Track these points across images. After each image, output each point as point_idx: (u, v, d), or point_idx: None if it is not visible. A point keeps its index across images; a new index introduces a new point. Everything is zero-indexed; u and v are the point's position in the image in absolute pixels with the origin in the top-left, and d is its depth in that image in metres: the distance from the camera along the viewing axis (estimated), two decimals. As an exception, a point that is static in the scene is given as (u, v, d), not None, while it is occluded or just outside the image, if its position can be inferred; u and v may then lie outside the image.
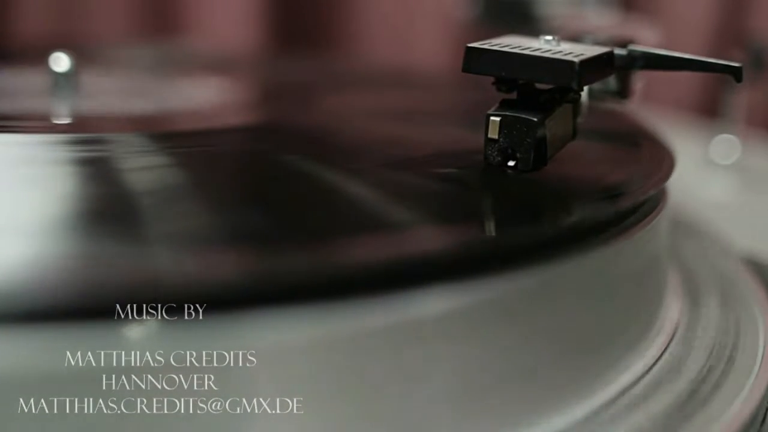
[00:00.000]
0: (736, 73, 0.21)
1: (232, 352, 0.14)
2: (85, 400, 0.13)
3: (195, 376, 0.14)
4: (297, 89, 0.36)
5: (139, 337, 0.14)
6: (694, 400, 0.19)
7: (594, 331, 0.19)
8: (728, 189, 0.41)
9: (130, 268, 0.15)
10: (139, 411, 0.14)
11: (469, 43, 0.21)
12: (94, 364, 0.13)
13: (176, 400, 0.14)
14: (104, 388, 0.14)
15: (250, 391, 0.14)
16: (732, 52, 0.40)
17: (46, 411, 0.13)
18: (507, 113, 0.21)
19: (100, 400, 0.14)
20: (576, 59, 0.20)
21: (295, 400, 0.15)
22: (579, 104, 0.23)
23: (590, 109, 0.24)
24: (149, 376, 0.14)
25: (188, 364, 0.14)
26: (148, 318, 0.14)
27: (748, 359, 0.21)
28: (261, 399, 0.15)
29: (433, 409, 0.16)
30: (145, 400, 0.14)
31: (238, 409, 0.14)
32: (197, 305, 0.14)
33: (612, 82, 0.25)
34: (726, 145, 0.43)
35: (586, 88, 0.23)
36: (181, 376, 0.14)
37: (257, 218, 0.18)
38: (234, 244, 0.16)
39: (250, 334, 0.14)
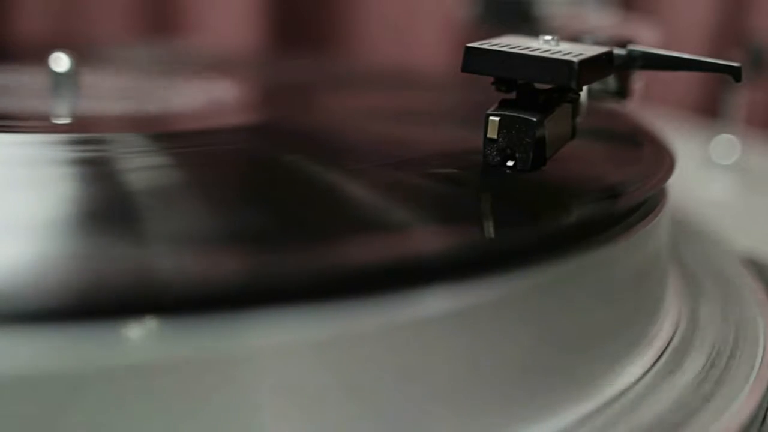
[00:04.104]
0: (735, 73, 0.21)
1: (231, 352, 0.14)
2: (85, 400, 0.13)
3: (195, 376, 0.14)
4: (297, 89, 0.36)
5: (139, 338, 0.14)
6: (694, 400, 0.19)
7: (594, 331, 0.19)
8: (728, 189, 0.41)
9: (130, 268, 0.15)
10: (138, 411, 0.14)
11: (469, 43, 0.21)
12: (93, 364, 0.13)
13: (176, 401, 0.14)
14: (104, 388, 0.14)
15: (249, 390, 0.14)
16: (732, 52, 0.40)
17: (46, 411, 0.13)
18: (506, 113, 0.21)
19: (100, 401, 0.14)
20: (575, 59, 0.20)
21: (295, 400, 0.15)
22: (578, 104, 0.23)
23: (590, 109, 0.24)
24: (149, 376, 0.14)
25: (188, 364, 0.14)
26: (148, 318, 0.14)
27: (748, 359, 0.21)
28: (261, 399, 0.15)
29: (432, 409, 0.16)
30: (144, 401, 0.14)
31: (238, 409, 0.14)
32: (196, 305, 0.14)
33: (611, 82, 0.25)
34: (726, 145, 0.43)
35: (585, 87, 0.23)
36: (181, 376, 0.14)
37: (257, 218, 0.18)
38: (234, 244, 0.16)
39: (250, 334, 0.14)
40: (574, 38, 0.24)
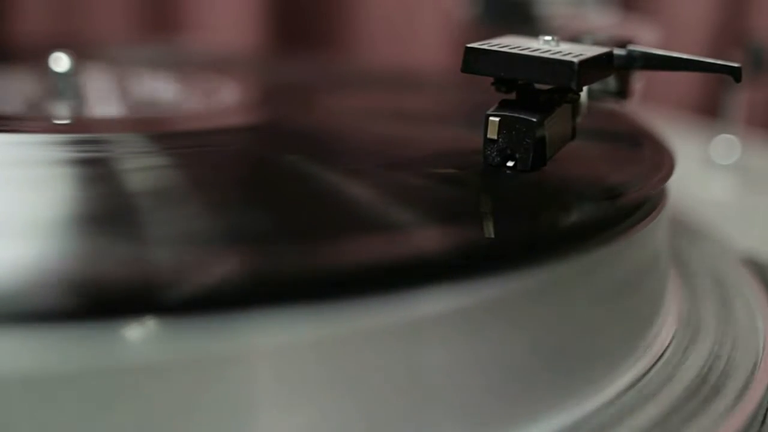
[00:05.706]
0: (734, 73, 0.21)
1: (231, 353, 0.14)
2: (85, 400, 0.13)
3: (194, 376, 0.14)
4: (297, 89, 0.36)
5: (138, 338, 0.14)
6: (694, 400, 0.19)
7: (594, 331, 0.19)
8: (728, 189, 0.41)
9: (130, 269, 0.15)
10: (138, 411, 0.14)
11: (469, 43, 0.21)
12: (93, 365, 0.13)
13: (175, 401, 0.14)
14: (104, 388, 0.14)
15: (249, 391, 0.14)
16: (732, 52, 0.40)
17: (46, 411, 0.13)
18: (506, 113, 0.21)
19: (99, 401, 0.14)
20: (575, 59, 0.20)
21: (294, 400, 0.15)
22: (578, 104, 0.23)
23: (590, 109, 0.24)
24: (148, 376, 0.14)
25: (188, 364, 0.14)
26: (147, 318, 0.14)
27: (748, 359, 0.21)
28: (260, 399, 0.15)
29: (431, 410, 0.16)
30: (143, 401, 0.14)
31: (238, 409, 0.14)
32: (196, 305, 0.14)
33: (611, 82, 0.25)
34: (726, 145, 0.43)
35: (585, 88, 0.23)
36: (180, 376, 0.14)
37: (257, 219, 0.18)
38: (233, 245, 0.16)
39: (250, 334, 0.14)
40: (574, 38, 0.24)
